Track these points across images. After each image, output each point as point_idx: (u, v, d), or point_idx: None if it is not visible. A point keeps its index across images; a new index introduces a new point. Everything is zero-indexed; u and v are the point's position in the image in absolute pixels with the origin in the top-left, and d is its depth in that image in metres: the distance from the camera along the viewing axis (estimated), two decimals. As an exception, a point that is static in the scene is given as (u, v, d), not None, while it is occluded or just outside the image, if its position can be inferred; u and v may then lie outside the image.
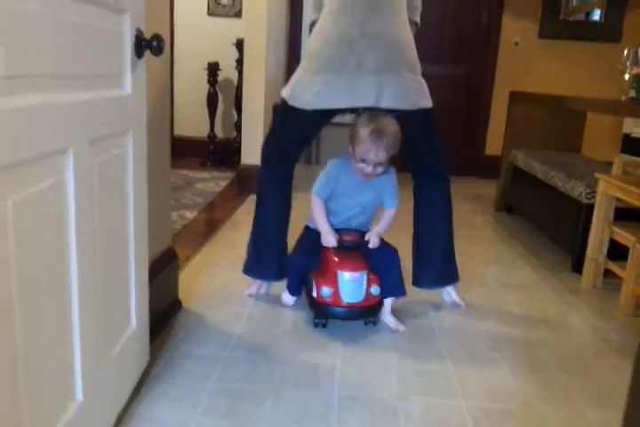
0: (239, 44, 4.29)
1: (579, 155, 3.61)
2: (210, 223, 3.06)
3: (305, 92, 1.88)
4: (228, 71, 4.72)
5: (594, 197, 2.42)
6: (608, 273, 2.38)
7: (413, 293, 2.09)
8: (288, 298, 2.04)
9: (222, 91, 4.85)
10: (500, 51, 4.81)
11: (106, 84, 1.15)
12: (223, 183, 4.01)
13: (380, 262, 1.89)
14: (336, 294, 1.80)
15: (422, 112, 1.94)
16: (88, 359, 1.08)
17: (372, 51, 1.82)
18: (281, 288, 2.07)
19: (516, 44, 4.79)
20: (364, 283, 1.82)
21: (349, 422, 1.38)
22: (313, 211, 1.92)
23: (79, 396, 1.06)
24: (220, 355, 1.66)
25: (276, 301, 2.06)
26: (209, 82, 4.68)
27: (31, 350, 0.87)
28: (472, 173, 4.84)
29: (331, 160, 1.94)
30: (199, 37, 4.86)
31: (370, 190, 1.92)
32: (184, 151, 4.64)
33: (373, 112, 1.83)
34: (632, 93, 2.65)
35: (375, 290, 1.84)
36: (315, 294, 1.84)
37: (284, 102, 1.96)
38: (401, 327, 1.91)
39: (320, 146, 4.95)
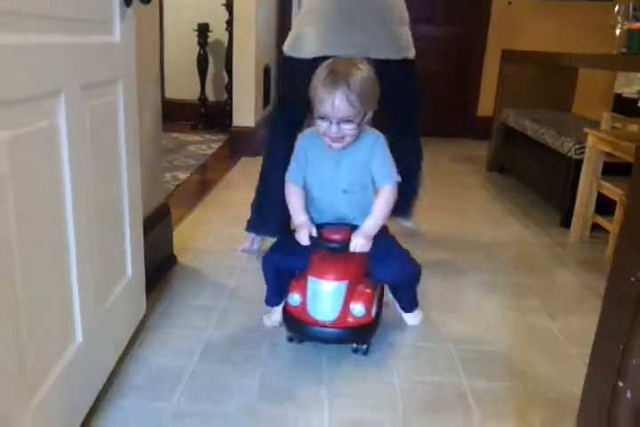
0: (229, 5, 4.22)
1: (569, 113, 3.62)
2: (203, 184, 3.07)
3: (303, 43, 1.91)
4: (218, 33, 4.65)
5: (583, 152, 2.44)
6: (596, 228, 2.42)
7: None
8: (267, 319, 1.60)
9: (213, 53, 4.79)
10: (493, 10, 4.76)
11: (95, 29, 1.15)
12: (215, 146, 4.00)
13: (382, 275, 1.51)
14: (304, 305, 1.42)
15: (407, 62, 1.99)
16: (86, 303, 1.11)
17: (364, 2, 1.87)
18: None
19: (509, 3, 4.73)
20: (341, 297, 1.39)
21: (340, 362, 1.43)
22: (286, 199, 1.54)
23: (79, 337, 1.10)
24: (215, 305, 1.70)
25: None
26: (199, 44, 4.62)
27: (31, 290, 0.90)
28: (464, 135, 4.83)
29: (300, 134, 1.56)
30: (188, -2, 4.77)
31: (348, 164, 1.46)
32: (175, 114, 4.60)
33: (339, 57, 1.45)
34: (623, 49, 2.65)
35: (360, 310, 1.39)
36: (287, 299, 1.47)
37: (285, 61, 2.01)
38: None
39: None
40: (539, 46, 4.05)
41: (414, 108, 2.14)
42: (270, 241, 2.13)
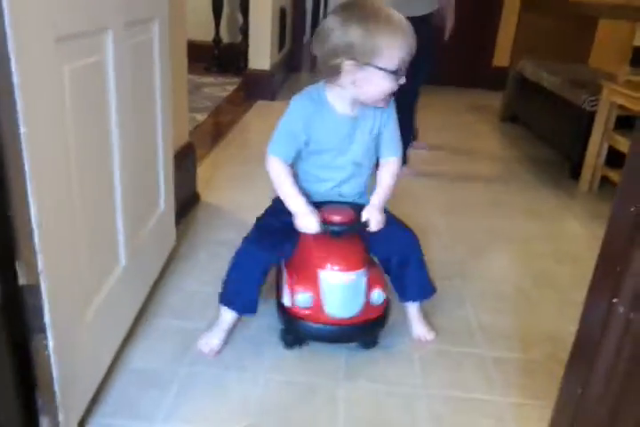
0: (246, -58, 4.13)
1: (586, 65, 3.62)
2: (220, 126, 3.12)
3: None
4: (233, -28, 4.57)
5: (597, 104, 2.47)
6: (605, 182, 2.48)
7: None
8: (205, 344, 1.28)
9: (227, -7, 4.72)
10: (515, -45, 4.64)
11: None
12: (230, 88, 4.02)
13: (392, 251, 1.30)
14: (317, 304, 1.21)
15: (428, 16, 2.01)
16: (128, 231, 1.20)
17: None
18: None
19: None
20: (363, 286, 1.22)
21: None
22: (273, 180, 1.26)
23: (122, 261, 1.20)
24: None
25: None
26: (214, -17, 4.54)
27: (87, 217, 0.99)
28: (479, 85, 4.80)
29: (294, 97, 1.25)
30: None
31: (365, 132, 1.26)
32: (188, 56, 4.59)
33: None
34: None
35: (379, 296, 1.24)
36: (285, 301, 1.26)
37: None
38: (430, 336, 1.38)
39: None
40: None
41: (423, 74, 2.12)
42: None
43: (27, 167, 0.76)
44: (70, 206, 0.92)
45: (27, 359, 0.89)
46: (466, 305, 1.54)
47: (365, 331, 1.28)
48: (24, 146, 0.75)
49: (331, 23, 1.14)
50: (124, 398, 1.13)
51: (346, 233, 1.21)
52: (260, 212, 1.38)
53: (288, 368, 1.25)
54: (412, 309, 1.38)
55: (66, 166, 0.90)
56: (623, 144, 2.29)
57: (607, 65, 3.95)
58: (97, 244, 1.06)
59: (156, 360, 1.24)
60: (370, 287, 1.23)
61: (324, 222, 1.20)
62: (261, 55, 3.75)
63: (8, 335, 0.83)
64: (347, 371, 1.26)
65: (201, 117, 3.15)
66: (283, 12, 4.02)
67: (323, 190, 1.30)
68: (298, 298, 1.22)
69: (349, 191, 1.32)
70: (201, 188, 2.12)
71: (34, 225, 0.79)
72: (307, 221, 1.20)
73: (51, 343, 0.87)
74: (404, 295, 1.35)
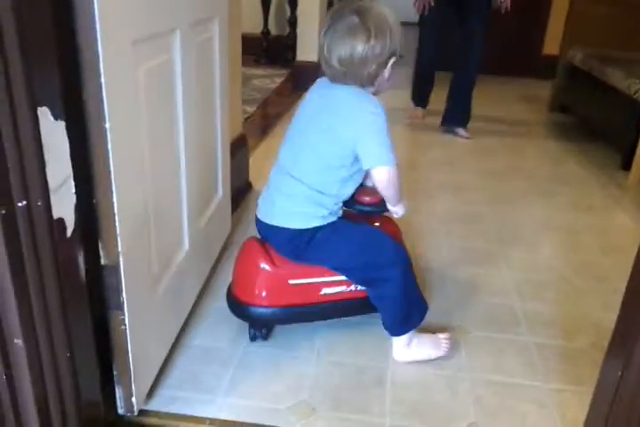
0: None
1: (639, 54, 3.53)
2: (269, 117, 3.20)
3: None
4: (282, -36, 4.62)
5: (650, 94, 2.44)
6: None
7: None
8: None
9: (276, -15, 4.77)
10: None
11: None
12: (279, 80, 4.09)
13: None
14: None
15: None
16: (191, 217, 1.29)
17: None
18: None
19: None
20: None
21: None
22: (398, 187, 1.26)
23: (186, 245, 1.28)
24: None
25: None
26: (263, -24, 4.60)
27: (157, 202, 1.07)
28: (528, 74, 4.74)
29: (375, 102, 1.22)
30: None
31: None
32: (238, 48, 4.68)
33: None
34: None
35: None
36: None
37: None
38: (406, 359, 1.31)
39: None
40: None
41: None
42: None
43: (110, 160, 0.84)
44: (144, 193, 1.00)
45: (105, 334, 0.98)
46: (511, 293, 1.58)
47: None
48: (108, 140, 0.83)
49: (360, 47, 1.16)
50: (187, 372, 1.22)
51: (377, 212, 1.34)
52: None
53: (339, 350, 1.32)
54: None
55: (141, 159, 0.98)
56: (676, 135, 2.26)
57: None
58: (165, 228, 1.14)
59: (216, 339, 1.33)
60: None
61: (361, 203, 1.31)
62: (309, 47, 3.80)
63: (91, 312, 0.92)
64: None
65: (250, 109, 3.23)
66: (330, 4, 4.06)
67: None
68: None
69: None
70: (252, 177, 2.19)
71: (115, 211, 0.88)
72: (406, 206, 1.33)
73: (127, 319, 0.96)
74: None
